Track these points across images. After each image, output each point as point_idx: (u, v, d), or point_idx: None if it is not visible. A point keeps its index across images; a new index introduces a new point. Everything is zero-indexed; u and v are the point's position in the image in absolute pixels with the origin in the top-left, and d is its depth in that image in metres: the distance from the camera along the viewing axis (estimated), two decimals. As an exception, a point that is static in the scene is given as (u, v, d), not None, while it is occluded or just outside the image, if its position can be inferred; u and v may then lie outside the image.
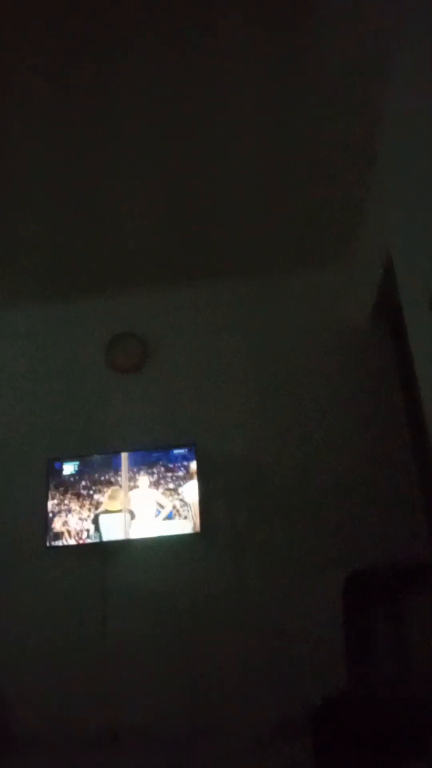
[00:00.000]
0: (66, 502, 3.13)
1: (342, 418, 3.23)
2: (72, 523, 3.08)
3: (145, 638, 2.98)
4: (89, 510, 3.10)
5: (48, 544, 3.06)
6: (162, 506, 3.09)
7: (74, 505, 3.12)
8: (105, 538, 3.04)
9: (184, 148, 2.64)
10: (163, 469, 3.16)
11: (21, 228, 3.02)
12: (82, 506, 3.11)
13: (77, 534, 3.06)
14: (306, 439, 3.23)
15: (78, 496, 3.14)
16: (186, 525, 3.03)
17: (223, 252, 3.35)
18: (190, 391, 3.40)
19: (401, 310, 2.66)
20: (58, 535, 3.07)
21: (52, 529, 3.08)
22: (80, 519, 3.09)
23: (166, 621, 3.00)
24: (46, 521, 3.09)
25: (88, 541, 3.04)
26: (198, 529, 3.02)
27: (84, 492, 3.14)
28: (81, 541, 3.04)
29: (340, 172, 2.84)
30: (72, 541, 3.05)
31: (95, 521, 3.08)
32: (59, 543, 3.06)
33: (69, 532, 3.07)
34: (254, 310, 3.53)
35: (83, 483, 3.16)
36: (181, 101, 2.42)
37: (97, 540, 3.04)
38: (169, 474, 3.14)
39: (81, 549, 3.08)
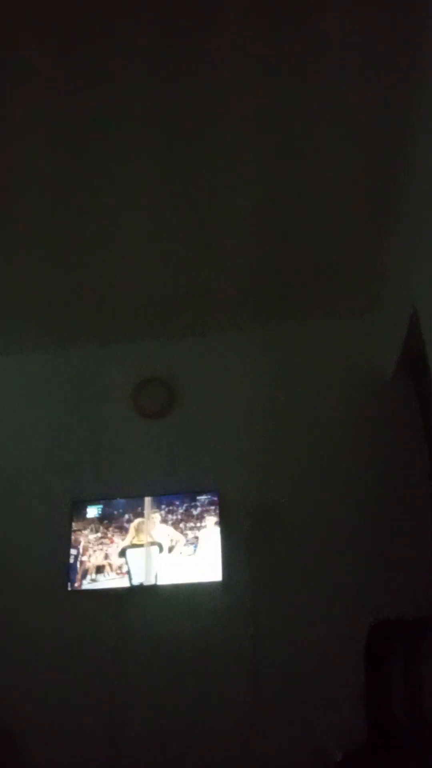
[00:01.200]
0: (91, 542, 3.15)
1: (363, 466, 3.22)
2: (98, 559, 3.10)
3: (159, 683, 2.97)
4: (116, 546, 3.13)
5: (69, 588, 3.08)
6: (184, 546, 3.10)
7: (99, 544, 3.15)
8: (132, 570, 3.06)
9: (199, 192, 2.69)
10: (185, 514, 3.17)
11: (48, 272, 3.10)
12: (108, 543, 3.14)
13: (106, 569, 3.08)
14: (326, 487, 3.21)
15: (103, 536, 3.16)
16: (204, 569, 3.03)
17: (246, 300, 3.41)
18: (213, 436, 3.42)
19: (427, 366, 2.68)
20: (86, 573, 3.09)
21: (79, 565, 3.10)
22: (106, 555, 3.11)
23: (180, 667, 2.98)
24: (66, 565, 3.12)
25: (115, 578, 3.05)
26: (220, 577, 3.01)
27: (108, 533, 3.17)
28: (112, 573, 3.07)
29: (362, 222, 2.88)
30: (100, 577, 3.07)
31: (123, 554, 3.10)
32: (87, 580, 3.08)
33: (97, 568, 3.09)
34: (277, 357, 3.57)
35: (106, 524, 3.19)
36: (186, 155, 2.48)
37: (126, 572, 3.07)
38: (192, 520, 3.15)
39: (101, 593, 3.10)
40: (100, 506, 3.24)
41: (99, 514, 3.23)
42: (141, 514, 3.19)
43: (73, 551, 3.14)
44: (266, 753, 2.78)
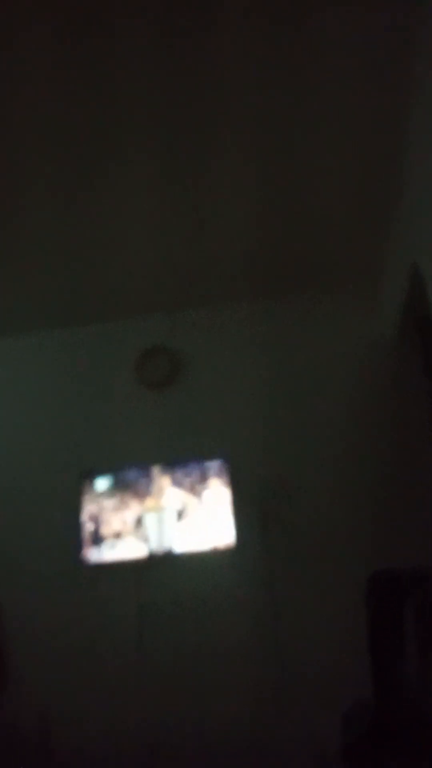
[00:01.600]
0: (105, 509, 3.20)
1: (370, 432, 3.27)
2: (116, 525, 3.15)
3: (181, 651, 3.04)
4: (132, 511, 3.18)
5: (84, 559, 3.13)
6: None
7: (115, 511, 3.19)
8: (150, 536, 3.10)
9: (203, 169, 2.70)
10: (195, 479, 3.21)
11: (50, 250, 3.09)
12: (124, 509, 3.18)
13: (123, 534, 3.13)
14: (336, 453, 3.27)
15: (118, 503, 3.21)
16: (217, 534, 3.08)
17: (250, 272, 3.42)
18: (220, 406, 3.45)
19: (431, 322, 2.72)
20: (103, 540, 3.14)
21: (95, 535, 3.15)
22: (124, 521, 3.16)
23: (203, 636, 3.05)
24: (79, 537, 3.17)
25: (134, 543, 3.10)
26: (234, 541, 3.06)
27: (123, 499, 3.22)
28: (131, 538, 3.14)
29: (363, 187, 2.89)
30: (119, 543, 3.14)
31: (139, 522, 3.15)
32: (107, 547, 3.14)
33: (116, 534, 3.13)
34: (283, 328, 3.58)
35: (119, 492, 3.24)
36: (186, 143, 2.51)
37: (143, 540, 3.12)
38: (202, 485, 3.20)
39: (116, 565, 3.15)
40: (111, 477, 3.28)
41: (110, 485, 3.27)
42: (151, 482, 3.24)
43: (89, 524, 3.18)
44: (290, 717, 2.85)
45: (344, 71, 2.29)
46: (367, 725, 2.35)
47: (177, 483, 3.22)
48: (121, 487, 3.25)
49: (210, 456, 3.27)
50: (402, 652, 2.61)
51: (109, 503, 3.22)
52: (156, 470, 3.25)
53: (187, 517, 3.16)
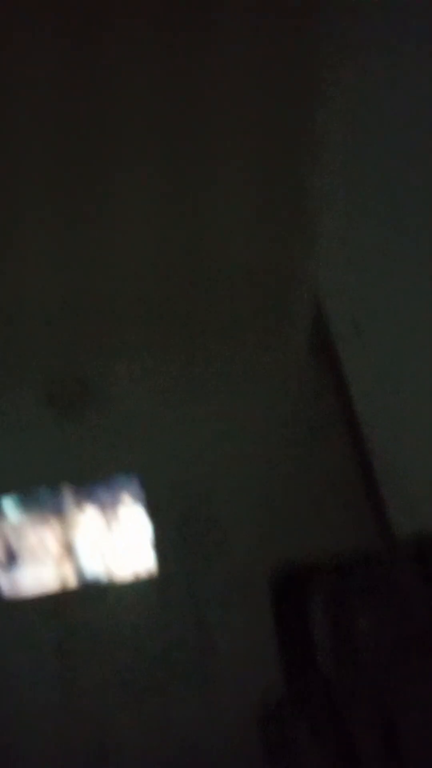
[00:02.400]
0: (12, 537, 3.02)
1: (286, 445, 3.41)
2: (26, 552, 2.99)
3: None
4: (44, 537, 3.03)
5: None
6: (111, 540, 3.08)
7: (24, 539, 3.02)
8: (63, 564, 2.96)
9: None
10: (108, 502, 3.16)
11: None
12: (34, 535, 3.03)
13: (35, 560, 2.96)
14: (251, 462, 3.35)
15: (25, 530, 3.05)
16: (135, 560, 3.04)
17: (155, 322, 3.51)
18: (134, 426, 3.45)
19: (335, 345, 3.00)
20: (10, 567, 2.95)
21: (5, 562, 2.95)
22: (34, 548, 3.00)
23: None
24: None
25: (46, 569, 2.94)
26: (155, 567, 3.03)
27: (30, 527, 3.06)
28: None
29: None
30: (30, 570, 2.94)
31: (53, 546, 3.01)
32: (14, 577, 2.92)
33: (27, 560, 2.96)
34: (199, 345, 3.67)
35: (25, 519, 3.08)
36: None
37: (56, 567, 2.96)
38: (116, 507, 3.15)
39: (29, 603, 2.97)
40: (18, 499, 3.12)
41: (18, 508, 3.10)
42: (63, 506, 3.13)
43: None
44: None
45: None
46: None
47: (91, 504, 3.14)
48: (30, 510, 3.10)
49: (124, 476, 3.24)
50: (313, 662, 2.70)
51: (17, 528, 3.05)
52: (68, 492, 3.15)
53: (103, 541, 3.07)
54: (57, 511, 3.10)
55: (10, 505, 3.11)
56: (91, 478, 3.24)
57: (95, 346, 3.63)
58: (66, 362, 3.59)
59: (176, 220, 2.97)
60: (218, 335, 3.66)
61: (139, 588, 3.06)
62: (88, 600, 3.03)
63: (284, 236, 3.17)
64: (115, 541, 3.07)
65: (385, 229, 2.15)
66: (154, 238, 3.07)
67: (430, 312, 1.79)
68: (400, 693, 1.85)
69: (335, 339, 2.93)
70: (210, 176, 2.77)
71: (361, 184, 2.45)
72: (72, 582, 3.00)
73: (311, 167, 2.72)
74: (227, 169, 2.77)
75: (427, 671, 1.74)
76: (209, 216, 2.98)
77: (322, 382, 3.52)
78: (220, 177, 2.78)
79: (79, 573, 3.00)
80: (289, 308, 3.65)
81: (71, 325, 3.55)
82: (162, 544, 3.14)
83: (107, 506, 3.14)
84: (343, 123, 2.47)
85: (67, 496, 3.14)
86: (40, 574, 2.96)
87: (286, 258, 3.31)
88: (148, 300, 3.43)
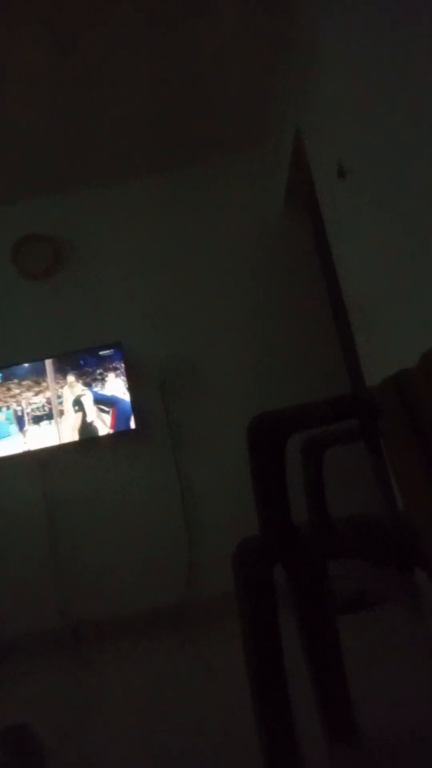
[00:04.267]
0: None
1: (267, 300, 3.28)
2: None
3: (93, 534, 3.08)
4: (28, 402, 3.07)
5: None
6: (93, 404, 3.08)
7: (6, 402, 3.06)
8: (39, 443, 3.03)
9: (90, 40, 2.41)
10: (90, 370, 3.11)
11: None
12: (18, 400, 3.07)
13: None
14: (234, 328, 3.27)
15: (6, 403, 3.07)
16: (117, 421, 3.06)
17: (138, 146, 3.17)
18: (111, 291, 3.31)
19: (314, 185, 2.68)
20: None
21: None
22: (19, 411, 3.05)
23: (109, 515, 3.10)
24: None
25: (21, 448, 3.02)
26: (133, 425, 3.05)
27: (11, 398, 3.07)
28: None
29: (246, 56, 2.71)
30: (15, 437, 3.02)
31: (37, 421, 3.06)
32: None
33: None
34: (170, 205, 3.41)
35: (9, 391, 3.08)
36: None
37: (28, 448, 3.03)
38: (97, 374, 3.11)
39: (14, 459, 3.07)
40: (-1, 374, 3.10)
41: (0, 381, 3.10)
42: (45, 377, 3.10)
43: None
44: (202, 591, 3.01)
45: None
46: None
47: (72, 375, 3.11)
48: (12, 383, 3.09)
49: (104, 343, 3.16)
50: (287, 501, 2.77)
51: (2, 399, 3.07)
52: (48, 364, 3.11)
53: (86, 407, 3.08)
54: (39, 380, 3.09)
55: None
56: (70, 349, 3.18)
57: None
58: (36, 225, 3.35)
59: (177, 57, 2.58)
60: (196, 198, 3.34)
61: (122, 444, 3.14)
62: (74, 456, 3.14)
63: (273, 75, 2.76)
64: (97, 404, 3.07)
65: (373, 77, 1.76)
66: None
67: (419, 149, 1.50)
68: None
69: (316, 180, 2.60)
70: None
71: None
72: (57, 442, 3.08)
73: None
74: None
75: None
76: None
77: (302, 237, 3.24)
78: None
79: (63, 434, 3.07)
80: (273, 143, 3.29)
81: (44, 183, 3.28)
82: (141, 404, 3.16)
83: (88, 373, 3.10)
84: None
85: (48, 366, 3.11)
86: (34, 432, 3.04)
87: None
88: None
